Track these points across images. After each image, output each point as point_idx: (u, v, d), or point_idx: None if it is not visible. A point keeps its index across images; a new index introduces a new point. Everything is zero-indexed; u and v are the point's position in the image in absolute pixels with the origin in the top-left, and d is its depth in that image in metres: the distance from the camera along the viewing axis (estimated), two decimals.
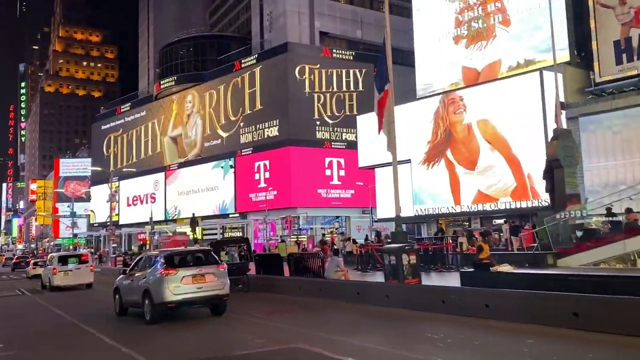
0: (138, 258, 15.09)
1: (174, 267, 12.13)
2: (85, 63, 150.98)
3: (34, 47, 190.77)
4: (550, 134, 33.35)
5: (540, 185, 33.35)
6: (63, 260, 22.57)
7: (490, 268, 13.58)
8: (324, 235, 52.02)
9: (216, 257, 13.43)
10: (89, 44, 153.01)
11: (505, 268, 13.53)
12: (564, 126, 34.53)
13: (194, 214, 36.27)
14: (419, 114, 40.21)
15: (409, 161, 40.39)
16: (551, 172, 18.72)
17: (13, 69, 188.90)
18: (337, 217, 54.77)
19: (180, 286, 11.75)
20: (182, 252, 13.77)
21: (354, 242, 22.36)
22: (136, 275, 13.11)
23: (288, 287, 17.09)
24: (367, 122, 45.35)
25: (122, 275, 14.34)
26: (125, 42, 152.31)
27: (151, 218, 44.80)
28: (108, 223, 37.62)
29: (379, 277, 17.80)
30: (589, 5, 33.50)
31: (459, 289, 12.95)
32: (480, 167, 36.41)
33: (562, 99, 34.39)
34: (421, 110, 40.18)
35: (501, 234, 25.65)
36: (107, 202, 37.99)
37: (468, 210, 36.77)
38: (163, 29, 78.23)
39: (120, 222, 72.24)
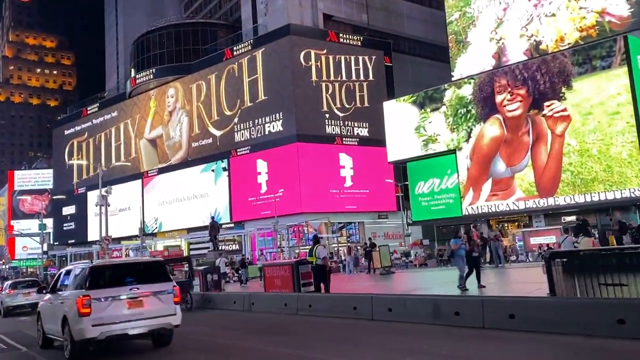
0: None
1: (14, 289, 21.72)
2: (39, 70, 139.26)
3: None
4: None
5: (632, 171, 27.85)
6: None
7: None
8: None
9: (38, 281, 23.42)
10: (42, 49, 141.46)
11: None
12: None
13: (213, 218, 28.96)
14: (462, 99, 34.24)
15: (453, 152, 34.29)
16: None
17: None
18: (349, 223, 48.00)
19: (15, 298, 21.15)
20: (21, 281, 24.81)
21: (587, 233, 13.94)
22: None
23: None
24: (395, 109, 39.08)
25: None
26: (83, 47, 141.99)
27: (142, 229, 36.77)
28: (98, 241, 29.62)
29: None
30: None
31: None
32: (543, 157, 30.57)
33: None
34: (466, 95, 34.15)
35: None
36: (96, 205, 30.06)
37: (535, 206, 30.73)
38: (134, 23, 70.20)
39: (89, 239, 63.33)
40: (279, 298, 12.74)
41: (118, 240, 55.15)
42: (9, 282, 23.35)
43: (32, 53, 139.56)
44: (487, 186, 32.31)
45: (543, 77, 30.39)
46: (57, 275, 11.17)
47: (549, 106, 30.09)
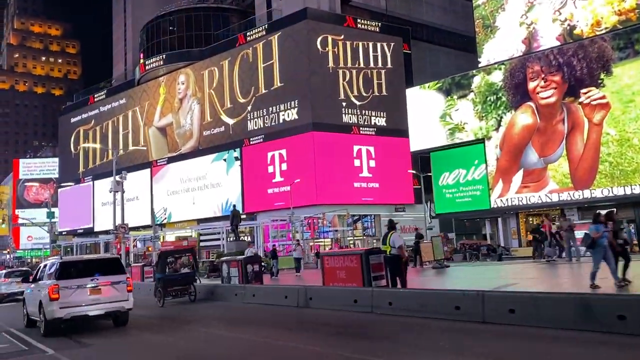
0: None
1: (8, 277, 23.10)
2: (44, 58, 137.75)
3: None
4: None
5: None
6: None
7: None
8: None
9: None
10: (47, 37, 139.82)
11: None
12: None
13: (234, 206, 27.50)
14: (492, 85, 32.59)
15: (481, 141, 32.72)
16: None
17: None
18: (364, 215, 46.46)
19: (10, 286, 22.20)
20: (15, 271, 25.88)
21: None
22: None
23: None
24: (418, 96, 37.53)
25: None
26: (88, 35, 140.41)
27: (152, 215, 35.24)
28: (112, 230, 28.05)
29: None
30: None
31: None
32: (579, 147, 28.99)
33: None
34: (496, 81, 32.53)
35: None
36: (110, 191, 28.57)
37: (570, 199, 29.13)
38: (142, 9, 68.48)
39: (96, 229, 62.07)
40: (346, 293, 10.92)
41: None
42: (3, 271, 25.26)
43: (37, 41, 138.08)
44: (517, 177, 30.77)
45: (580, 63, 28.78)
46: (38, 268, 13.08)
47: (586, 93, 28.50)
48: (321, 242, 44.99)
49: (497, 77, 32.09)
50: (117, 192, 26.49)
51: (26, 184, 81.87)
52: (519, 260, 22.74)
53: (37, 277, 12.28)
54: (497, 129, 31.72)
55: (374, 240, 46.55)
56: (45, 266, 12.27)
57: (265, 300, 13.19)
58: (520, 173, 30.70)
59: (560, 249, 16.67)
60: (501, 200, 31.34)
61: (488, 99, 32.11)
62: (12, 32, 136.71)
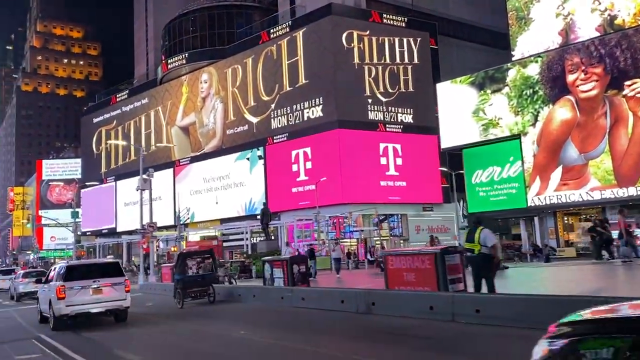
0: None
1: (26, 277, 24.81)
2: (66, 60, 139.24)
3: (8, 47, 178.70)
4: None
5: None
6: None
7: None
8: None
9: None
10: (69, 39, 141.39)
11: None
12: None
13: (264, 204, 26.75)
14: (528, 79, 31.28)
15: (517, 137, 31.43)
16: None
17: None
18: (391, 215, 45.34)
19: (27, 286, 24.04)
20: (32, 271, 27.47)
21: None
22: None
23: None
24: (450, 91, 36.33)
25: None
26: (109, 37, 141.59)
27: (178, 216, 34.61)
28: (139, 229, 27.49)
29: None
30: None
31: None
32: (624, 142, 27.57)
33: None
34: (532, 74, 31.21)
35: None
36: (137, 190, 27.97)
37: (614, 197, 27.70)
38: (164, 8, 68.29)
39: (118, 230, 61.98)
40: (418, 298, 9.58)
41: None
42: (21, 272, 27.35)
43: (59, 43, 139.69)
44: (556, 174, 29.43)
45: (624, 54, 27.36)
46: (50, 271, 14.73)
47: (630, 85, 27.08)
48: (346, 242, 44.07)
49: (533, 70, 30.80)
50: (145, 190, 25.83)
51: (50, 183, 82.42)
52: (572, 261, 21.31)
53: (49, 279, 13.77)
54: (533, 124, 30.43)
55: (401, 241, 45.53)
56: (55, 269, 13.75)
57: (317, 305, 11.99)
58: (559, 170, 29.36)
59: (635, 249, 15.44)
60: (538, 198, 30.03)
61: (524, 93, 30.83)
62: (35, 35, 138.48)
